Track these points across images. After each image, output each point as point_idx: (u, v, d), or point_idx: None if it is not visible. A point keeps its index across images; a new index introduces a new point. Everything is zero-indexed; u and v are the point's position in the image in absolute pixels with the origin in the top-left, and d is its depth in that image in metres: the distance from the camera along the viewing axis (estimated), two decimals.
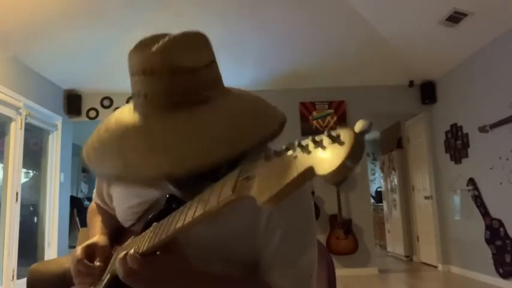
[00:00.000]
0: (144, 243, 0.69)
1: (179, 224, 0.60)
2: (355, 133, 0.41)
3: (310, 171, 0.41)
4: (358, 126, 0.43)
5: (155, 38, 0.76)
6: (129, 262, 0.67)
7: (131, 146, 0.73)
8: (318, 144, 0.42)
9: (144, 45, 0.75)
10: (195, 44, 0.76)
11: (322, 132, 0.43)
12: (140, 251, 0.68)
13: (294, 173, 0.42)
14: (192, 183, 0.81)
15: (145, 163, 0.70)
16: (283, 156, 0.45)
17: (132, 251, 0.69)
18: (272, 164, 0.46)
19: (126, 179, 0.73)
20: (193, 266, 0.74)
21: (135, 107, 0.77)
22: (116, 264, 0.71)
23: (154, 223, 0.69)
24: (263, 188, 0.45)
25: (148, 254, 0.68)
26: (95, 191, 1.09)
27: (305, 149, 0.43)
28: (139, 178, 0.71)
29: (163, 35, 0.75)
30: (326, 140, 0.42)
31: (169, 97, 0.72)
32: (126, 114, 0.79)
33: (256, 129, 0.74)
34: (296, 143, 0.45)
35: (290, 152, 0.45)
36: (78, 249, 0.86)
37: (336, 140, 0.41)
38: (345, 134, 0.41)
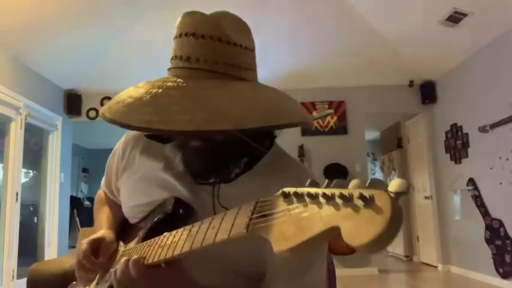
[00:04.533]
0: (149, 254, 0.67)
1: (186, 248, 0.58)
2: (392, 199, 0.35)
3: (335, 232, 0.37)
4: (394, 186, 0.37)
5: (206, 14, 0.79)
6: (131, 268, 0.66)
7: (165, 95, 0.71)
8: (348, 201, 0.37)
9: (198, 12, 0.78)
10: (245, 28, 0.80)
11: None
12: (146, 262, 0.67)
13: (318, 228, 0.38)
14: (202, 180, 0.81)
15: (181, 112, 0.67)
16: (305, 202, 0.42)
17: (136, 256, 0.68)
18: (292, 210, 0.42)
19: (156, 124, 0.67)
20: (195, 280, 0.72)
21: (172, 70, 0.78)
22: (112, 275, 0.70)
23: (164, 233, 0.67)
24: (281, 236, 0.42)
25: (153, 266, 0.67)
26: (103, 179, 1.05)
27: (332, 201, 0.39)
28: (171, 124, 0.66)
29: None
30: (357, 201, 0.37)
31: (211, 64, 0.74)
32: (155, 79, 0.79)
33: (290, 111, 0.75)
34: (320, 192, 0.40)
35: (312, 201, 0.41)
36: (85, 243, 0.84)
37: (369, 203, 0.36)
38: (380, 198, 0.36)
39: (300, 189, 0.43)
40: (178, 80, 0.74)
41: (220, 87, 0.72)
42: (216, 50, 0.74)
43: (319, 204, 0.40)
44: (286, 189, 0.45)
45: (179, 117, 0.66)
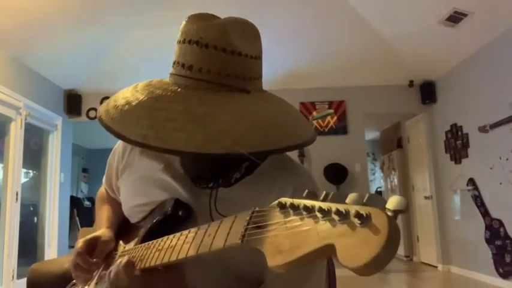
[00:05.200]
0: (147, 257, 0.67)
1: (182, 255, 0.59)
2: (389, 219, 0.34)
3: (330, 249, 0.36)
4: (392, 204, 0.35)
5: (214, 16, 0.76)
6: (122, 273, 0.66)
7: (164, 109, 0.69)
8: (344, 218, 0.36)
9: (204, 17, 0.76)
10: (252, 34, 0.77)
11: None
12: (142, 265, 0.67)
13: (313, 245, 0.37)
14: (202, 184, 0.80)
15: (179, 130, 0.65)
16: (301, 216, 0.41)
17: (125, 261, 0.68)
18: (289, 223, 0.42)
19: (152, 141, 0.65)
20: (191, 284, 0.71)
21: (173, 77, 0.75)
22: (106, 277, 0.69)
23: (163, 237, 0.66)
24: (275, 250, 0.41)
25: (149, 269, 0.67)
26: (104, 176, 1.04)
27: (328, 216, 0.38)
28: (167, 143, 0.64)
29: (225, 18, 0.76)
30: (354, 219, 0.35)
31: (214, 75, 0.71)
32: (156, 81, 0.77)
33: (297, 132, 0.75)
34: (316, 205, 0.39)
35: (308, 214, 0.40)
36: (80, 242, 0.83)
37: (366, 222, 0.35)
38: (377, 217, 0.34)
39: (296, 201, 0.42)
40: (179, 90, 0.72)
41: (221, 104, 0.70)
42: (220, 61, 0.71)
43: (315, 219, 0.39)
44: (283, 200, 0.44)
45: (176, 135, 0.64)
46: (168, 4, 4.12)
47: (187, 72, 0.72)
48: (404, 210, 0.35)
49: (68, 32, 4.31)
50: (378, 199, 0.37)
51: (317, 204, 0.39)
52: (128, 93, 0.76)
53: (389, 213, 0.35)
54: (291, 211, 0.42)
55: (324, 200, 0.40)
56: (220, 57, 0.71)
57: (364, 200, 0.37)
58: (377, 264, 0.33)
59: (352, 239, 0.35)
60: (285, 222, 0.42)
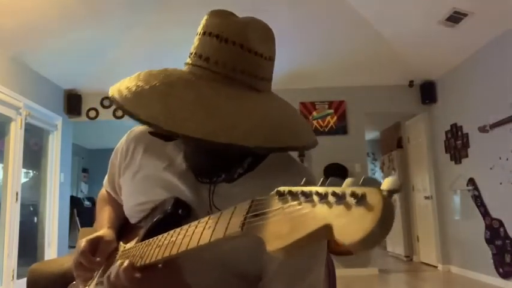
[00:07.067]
0: (147, 254, 0.68)
1: (183, 248, 0.59)
2: (384, 197, 0.35)
3: (328, 230, 0.37)
4: (387, 184, 0.37)
5: (235, 15, 0.80)
6: (120, 276, 0.66)
7: (176, 96, 0.71)
8: (340, 199, 0.37)
9: (227, 14, 0.79)
10: (269, 37, 0.80)
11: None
12: (142, 263, 0.67)
13: (311, 227, 0.38)
14: (205, 179, 0.81)
15: (190, 117, 0.67)
16: (299, 201, 0.42)
17: (126, 264, 0.68)
18: (287, 209, 0.43)
19: (163, 123, 0.66)
20: (190, 281, 0.72)
21: (189, 66, 0.78)
22: (105, 280, 0.70)
23: (163, 234, 0.67)
24: (275, 235, 0.42)
25: (149, 266, 0.67)
26: (106, 177, 1.05)
27: (324, 199, 0.39)
28: (177, 127, 0.66)
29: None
30: (349, 198, 0.37)
31: (229, 70, 0.74)
32: (171, 69, 0.79)
33: (302, 134, 0.78)
34: (314, 190, 0.41)
35: (305, 199, 0.41)
36: (83, 241, 0.84)
37: (361, 201, 0.36)
38: (372, 196, 0.35)
39: (294, 188, 0.44)
40: (193, 79, 0.74)
41: (233, 98, 0.72)
42: (236, 57, 0.74)
43: (312, 203, 0.40)
44: (281, 188, 0.45)
45: (187, 121, 0.66)
46: (167, 4, 4.12)
47: (203, 63, 0.75)
48: (398, 189, 0.36)
49: (68, 32, 4.31)
50: (372, 181, 0.38)
51: (314, 189, 0.40)
52: (141, 77, 0.77)
53: (384, 193, 0.36)
54: (289, 198, 0.43)
55: (322, 185, 0.42)
56: (238, 53, 0.74)
57: (360, 182, 0.38)
58: (372, 240, 0.34)
59: (348, 217, 0.36)
60: (284, 208, 0.43)
